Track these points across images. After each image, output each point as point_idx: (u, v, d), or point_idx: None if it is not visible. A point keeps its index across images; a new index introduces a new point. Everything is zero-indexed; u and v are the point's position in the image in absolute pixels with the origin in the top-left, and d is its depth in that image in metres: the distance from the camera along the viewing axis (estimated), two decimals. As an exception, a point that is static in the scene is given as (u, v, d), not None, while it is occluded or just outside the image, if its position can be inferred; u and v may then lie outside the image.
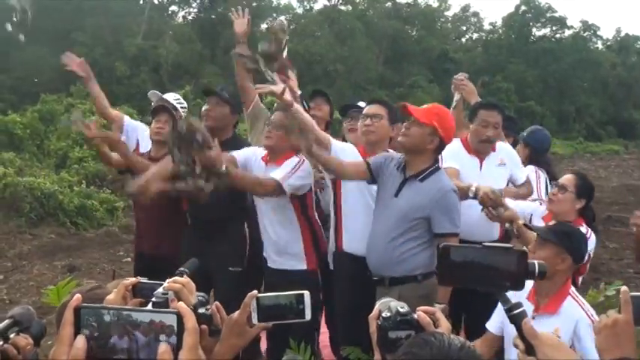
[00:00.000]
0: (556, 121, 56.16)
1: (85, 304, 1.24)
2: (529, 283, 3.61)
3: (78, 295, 1.29)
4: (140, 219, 5.55)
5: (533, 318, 3.51)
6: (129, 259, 10.48)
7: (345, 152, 4.48)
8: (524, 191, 5.03)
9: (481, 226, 4.57)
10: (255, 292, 1.97)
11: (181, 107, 5.76)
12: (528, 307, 3.56)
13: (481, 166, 4.81)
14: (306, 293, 1.94)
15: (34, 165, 17.29)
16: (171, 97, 5.87)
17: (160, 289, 1.79)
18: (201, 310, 1.90)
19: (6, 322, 2.57)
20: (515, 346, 1.83)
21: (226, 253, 4.88)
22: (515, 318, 1.81)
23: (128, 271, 9.28)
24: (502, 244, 2.00)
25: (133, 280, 1.94)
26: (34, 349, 2.63)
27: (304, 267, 4.61)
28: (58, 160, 18.50)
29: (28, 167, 16.29)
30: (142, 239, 5.45)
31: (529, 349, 1.78)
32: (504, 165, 4.84)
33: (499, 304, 3.80)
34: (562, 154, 40.69)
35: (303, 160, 4.50)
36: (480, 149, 4.86)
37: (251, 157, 4.70)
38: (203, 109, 5.12)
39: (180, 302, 1.44)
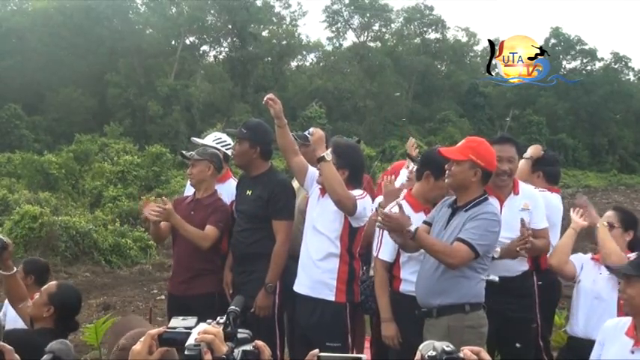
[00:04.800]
0: (588, 153, 55.60)
1: None
2: (628, 318, 3.56)
3: None
4: (176, 252, 5.37)
5: (632, 352, 3.45)
6: (162, 297, 10.52)
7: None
8: (541, 243, 4.64)
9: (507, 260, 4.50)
10: (316, 350, 1.98)
11: (223, 145, 5.66)
12: (627, 343, 3.49)
13: (501, 209, 4.50)
14: (364, 357, 1.94)
15: (69, 204, 17.55)
16: (211, 139, 5.77)
17: (192, 341, 1.82)
18: (247, 348, 1.94)
19: (46, 357, 2.61)
20: None
21: (254, 290, 4.79)
22: None
23: (162, 309, 9.31)
24: None
25: (159, 329, 1.98)
26: None
27: (332, 298, 4.56)
28: (92, 199, 18.77)
29: (63, 206, 16.53)
30: (174, 276, 5.35)
31: None
32: (528, 210, 4.57)
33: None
34: (596, 187, 40.20)
35: (365, 195, 4.55)
36: (498, 183, 4.56)
37: (313, 178, 4.70)
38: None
39: None
